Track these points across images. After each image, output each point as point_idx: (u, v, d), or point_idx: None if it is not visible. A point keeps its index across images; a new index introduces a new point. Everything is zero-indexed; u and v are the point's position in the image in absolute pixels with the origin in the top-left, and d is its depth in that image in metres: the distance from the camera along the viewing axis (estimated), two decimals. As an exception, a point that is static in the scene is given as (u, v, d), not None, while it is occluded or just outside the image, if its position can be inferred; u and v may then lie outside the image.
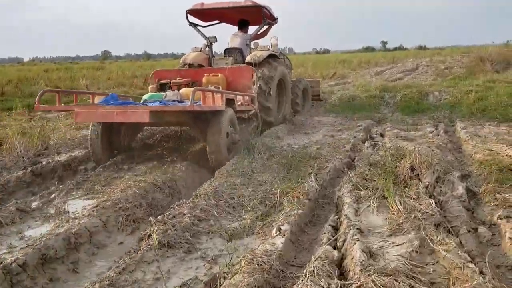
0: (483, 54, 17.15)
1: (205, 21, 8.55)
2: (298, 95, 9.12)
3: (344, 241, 2.80)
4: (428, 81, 16.03)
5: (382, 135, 6.76)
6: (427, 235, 2.72)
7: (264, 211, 3.49)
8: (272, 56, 7.57)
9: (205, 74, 6.81)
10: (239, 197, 3.76)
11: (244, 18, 8.33)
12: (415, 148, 4.92)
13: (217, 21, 8.82)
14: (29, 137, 5.97)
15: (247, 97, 6.55)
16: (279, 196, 3.71)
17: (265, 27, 8.28)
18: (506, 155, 4.94)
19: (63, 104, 5.90)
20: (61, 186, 4.40)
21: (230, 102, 5.50)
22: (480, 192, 3.78)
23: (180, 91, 6.04)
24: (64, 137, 6.63)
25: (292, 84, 8.79)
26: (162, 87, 6.82)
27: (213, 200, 3.57)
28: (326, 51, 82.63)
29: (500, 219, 3.16)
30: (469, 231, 3.06)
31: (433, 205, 3.26)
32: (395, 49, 76.68)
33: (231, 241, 2.99)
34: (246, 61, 7.42)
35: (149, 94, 6.21)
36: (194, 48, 8.10)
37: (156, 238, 2.80)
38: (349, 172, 4.24)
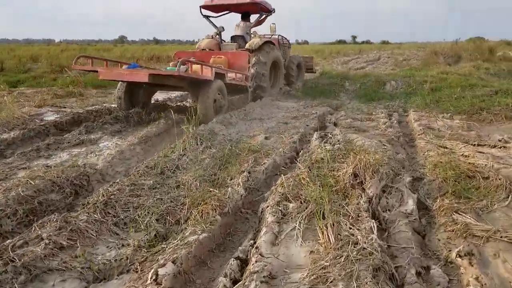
0: (437, 48, 15.80)
1: (216, 12, 8.85)
2: (293, 69, 9.26)
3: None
4: (387, 71, 14.77)
5: (335, 124, 5.50)
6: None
7: (161, 231, 2.24)
8: (267, 43, 7.76)
9: (212, 56, 7.43)
10: (137, 208, 2.48)
11: (246, 10, 8.64)
12: (363, 143, 3.71)
13: (226, 11, 8.99)
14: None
15: (240, 75, 7.06)
16: (188, 209, 2.46)
17: (262, 17, 8.61)
18: (462, 155, 3.74)
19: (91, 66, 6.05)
20: None
21: (220, 76, 5.95)
22: (434, 208, 2.58)
23: (178, 66, 6.09)
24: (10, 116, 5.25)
25: (288, 60, 9.14)
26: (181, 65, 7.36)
27: (100, 213, 2.30)
28: (306, 42, 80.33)
29: (460, 256, 1.98)
30: (418, 274, 1.87)
31: (374, 233, 2.05)
32: (363, 42, 74.99)
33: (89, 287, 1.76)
34: (245, 47, 7.70)
35: (168, 67, 6.66)
36: (207, 36, 8.51)
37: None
38: (281, 176, 2.96)
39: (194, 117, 4.53)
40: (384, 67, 16.33)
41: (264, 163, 3.42)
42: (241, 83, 7.02)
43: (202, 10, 8.38)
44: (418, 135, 4.65)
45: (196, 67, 5.87)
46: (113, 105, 6.39)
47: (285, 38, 9.26)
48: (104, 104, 6.67)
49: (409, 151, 4.26)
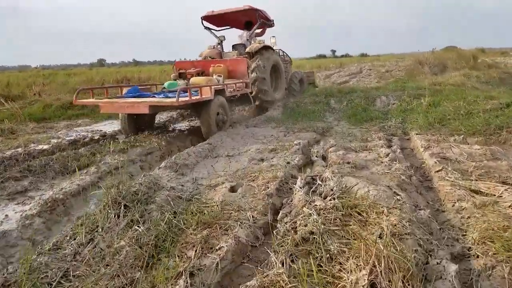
0: (421, 58, 14.95)
1: (217, 25, 8.96)
2: (296, 83, 9.37)
3: None
4: (373, 84, 13.78)
5: (324, 158, 4.28)
6: None
7: None
8: (265, 48, 7.75)
9: (212, 65, 7.36)
10: None
11: (247, 20, 8.72)
12: (367, 192, 2.48)
13: (228, 26, 9.11)
14: None
15: (240, 84, 7.02)
16: None
17: (261, 25, 8.60)
18: (510, 206, 2.55)
19: (94, 99, 6.02)
20: None
21: (221, 92, 6.01)
22: None
23: (190, 80, 6.43)
24: None
25: (291, 75, 9.34)
26: (180, 75, 7.35)
27: None
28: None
29: None
30: None
31: None
32: (342, 56, 75.29)
33: None
34: (245, 51, 7.72)
35: (168, 82, 6.70)
36: (209, 46, 8.55)
37: None
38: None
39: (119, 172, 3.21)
40: (368, 80, 15.39)
41: (220, 248, 2.13)
42: (242, 91, 6.99)
43: (204, 21, 8.51)
44: (436, 172, 3.45)
45: (195, 80, 6.27)
46: (44, 146, 5.28)
47: (286, 53, 9.43)
48: (32, 145, 5.27)
49: (429, 198, 3.05)
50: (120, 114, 6.10)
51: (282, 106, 7.91)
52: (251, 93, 7.29)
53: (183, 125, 7.37)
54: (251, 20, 8.65)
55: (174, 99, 4.89)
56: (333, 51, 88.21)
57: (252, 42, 8.19)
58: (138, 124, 6.25)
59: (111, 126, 7.24)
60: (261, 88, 7.41)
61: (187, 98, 5.06)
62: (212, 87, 5.68)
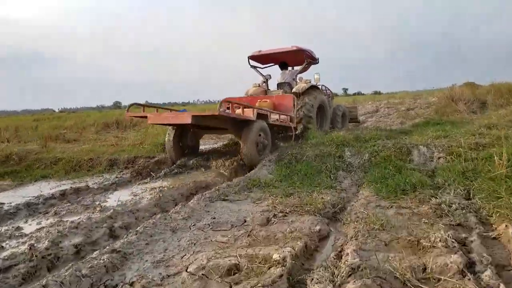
0: (453, 93, 12.56)
1: (261, 63, 9.21)
2: (339, 120, 9.46)
3: None
4: (396, 124, 11.40)
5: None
6: None
7: None
8: (312, 87, 8.11)
9: (258, 100, 7.62)
10: None
11: (286, 60, 8.95)
12: None
13: (272, 63, 9.30)
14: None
15: (284, 116, 7.07)
16: None
17: (307, 65, 8.76)
18: None
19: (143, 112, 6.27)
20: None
21: (263, 116, 6.10)
22: None
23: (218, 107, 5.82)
24: None
25: (333, 110, 9.39)
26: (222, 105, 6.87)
27: None
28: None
29: None
30: None
31: None
32: (354, 94, 73.54)
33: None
34: (292, 91, 7.98)
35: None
36: (254, 84, 8.82)
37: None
38: None
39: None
40: (389, 121, 13.02)
41: None
42: (286, 124, 7.04)
43: (250, 60, 8.77)
44: None
45: (239, 110, 6.00)
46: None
47: (328, 88, 9.46)
48: None
49: None
50: (166, 137, 6.56)
51: (275, 160, 5.56)
52: (295, 128, 7.34)
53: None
54: (288, 61, 9.00)
55: (216, 110, 5.10)
56: (345, 89, 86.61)
57: (298, 80, 8.47)
58: (182, 145, 6.59)
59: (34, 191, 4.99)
60: (306, 126, 7.58)
61: (229, 111, 5.37)
62: (255, 109, 5.82)
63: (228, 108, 5.57)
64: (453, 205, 3.26)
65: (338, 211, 3.53)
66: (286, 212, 3.45)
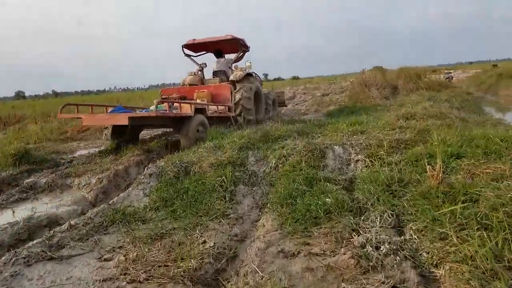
0: (367, 78, 12.23)
1: (195, 52, 9.23)
2: (270, 104, 9.47)
3: None
4: (311, 113, 10.72)
5: None
6: None
7: None
8: (248, 75, 8.22)
9: (196, 91, 7.70)
10: None
11: (221, 48, 9.04)
12: None
13: (204, 52, 9.36)
14: None
15: (222, 107, 7.22)
16: None
17: (241, 54, 8.91)
18: None
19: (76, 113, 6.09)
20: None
21: (201, 111, 6.19)
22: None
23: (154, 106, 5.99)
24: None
25: (264, 96, 9.27)
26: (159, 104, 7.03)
27: None
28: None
29: None
30: None
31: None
32: (274, 79, 74.10)
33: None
34: (229, 79, 8.06)
35: (152, 106, 6.28)
36: (190, 72, 8.87)
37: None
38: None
39: None
40: (304, 108, 12.38)
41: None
42: (224, 114, 7.13)
43: (184, 49, 8.73)
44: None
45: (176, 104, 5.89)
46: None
47: (258, 75, 9.36)
48: None
49: None
50: (104, 133, 6.43)
51: (158, 174, 4.22)
52: (234, 118, 7.43)
53: None
54: (223, 49, 9.09)
55: (151, 112, 5.42)
56: (265, 75, 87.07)
57: (234, 68, 8.64)
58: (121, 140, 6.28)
59: None
60: (246, 107, 7.63)
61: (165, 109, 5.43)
62: (193, 105, 5.94)
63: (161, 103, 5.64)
64: (382, 247, 2.28)
65: (223, 267, 2.37)
66: (139, 281, 2.18)
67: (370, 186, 3.33)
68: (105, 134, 6.33)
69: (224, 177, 3.95)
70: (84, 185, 4.34)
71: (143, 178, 4.14)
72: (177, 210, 3.33)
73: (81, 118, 5.70)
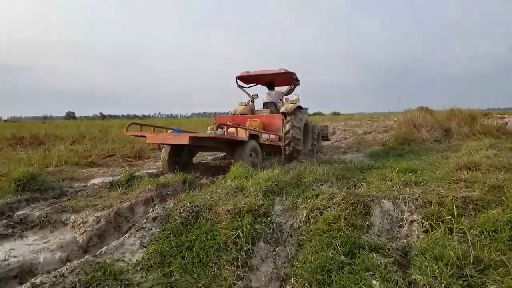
0: (414, 118, 11.16)
1: (248, 83, 9.48)
2: (315, 137, 9.51)
3: None
4: (353, 152, 9.79)
5: None
6: None
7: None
8: (298, 108, 8.19)
9: (248, 120, 8.00)
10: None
11: (273, 81, 9.37)
12: None
13: (254, 84, 9.64)
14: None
15: (274, 136, 7.42)
16: None
17: (293, 86, 9.13)
18: None
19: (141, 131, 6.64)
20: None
21: (254, 137, 6.40)
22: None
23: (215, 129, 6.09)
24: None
25: (311, 127, 9.39)
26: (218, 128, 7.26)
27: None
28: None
29: None
30: None
31: None
32: (314, 114, 73.30)
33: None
34: (281, 111, 8.21)
35: (209, 132, 6.64)
36: (240, 103, 9.08)
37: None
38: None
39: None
40: (345, 146, 11.45)
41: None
42: (275, 143, 7.31)
43: (238, 80, 9.02)
44: None
45: (231, 129, 6.19)
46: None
47: (305, 108, 9.43)
48: None
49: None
50: (161, 153, 6.69)
51: (163, 218, 3.50)
52: (284, 148, 7.54)
53: None
54: (275, 81, 9.38)
55: (212, 133, 5.55)
56: (306, 109, 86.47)
57: (284, 101, 8.64)
58: (177, 162, 6.66)
59: None
60: (296, 138, 7.70)
61: (221, 133, 5.65)
62: (247, 130, 6.12)
63: (221, 127, 5.77)
64: None
65: None
66: None
67: (434, 265, 2.43)
68: (163, 157, 6.63)
69: (240, 230, 3.18)
70: (79, 224, 3.71)
71: (145, 223, 3.45)
72: (174, 273, 2.59)
73: (145, 136, 6.28)
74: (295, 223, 3.46)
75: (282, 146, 7.51)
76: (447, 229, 3.01)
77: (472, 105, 12.66)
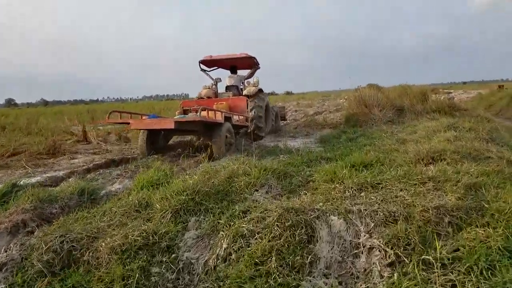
0: (365, 96, 10.42)
1: (210, 67, 9.78)
2: (273, 118, 9.99)
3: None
4: (300, 136, 8.92)
5: None
6: None
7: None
8: (260, 91, 8.90)
9: (215, 103, 8.13)
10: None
11: (235, 65, 9.74)
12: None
13: (216, 67, 9.91)
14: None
15: (242, 117, 7.84)
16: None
17: (254, 70, 9.65)
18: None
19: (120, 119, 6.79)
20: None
21: (228, 119, 6.80)
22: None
23: (198, 113, 6.25)
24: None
25: (271, 109, 9.87)
26: (185, 112, 7.98)
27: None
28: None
29: None
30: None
31: None
32: (268, 94, 72.35)
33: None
34: (243, 93, 8.76)
35: (178, 116, 7.22)
36: (204, 86, 9.34)
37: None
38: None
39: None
40: (293, 129, 10.57)
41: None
42: (243, 123, 7.76)
43: (200, 64, 9.33)
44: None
45: (204, 113, 6.26)
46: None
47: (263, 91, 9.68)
48: None
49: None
50: (139, 138, 6.83)
51: (13, 269, 2.33)
52: (246, 127, 7.99)
53: None
54: (237, 65, 9.77)
55: (196, 116, 5.84)
56: (260, 90, 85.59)
57: (246, 84, 9.24)
58: (154, 146, 6.95)
59: None
60: (258, 125, 8.25)
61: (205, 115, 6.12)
62: (223, 113, 6.51)
63: (196, 111, 6.13)
64: None
65: None
66: None
67: None
68: (140, 142, 6.76)
69: (127, 281, 2.08)
70: None
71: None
72: None
73: (128, 123, 6.48)
74: (211, 260, 2.42)
75: (248, 125, 8.02)
76: (420, 262, 2.11)
77: (415, 81, 12.30)
